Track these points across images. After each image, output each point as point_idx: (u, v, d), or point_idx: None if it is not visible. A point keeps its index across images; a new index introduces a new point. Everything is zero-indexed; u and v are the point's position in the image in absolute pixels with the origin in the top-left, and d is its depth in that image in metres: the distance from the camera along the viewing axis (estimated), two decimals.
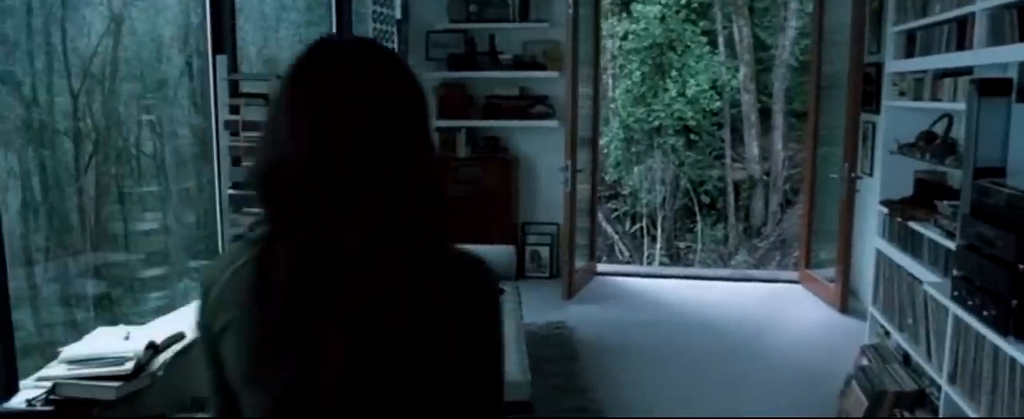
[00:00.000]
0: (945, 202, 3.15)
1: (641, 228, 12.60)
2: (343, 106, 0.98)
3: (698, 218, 12.53)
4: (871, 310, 3.98)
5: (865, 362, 3.71)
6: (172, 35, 6.94)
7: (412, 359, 0.96)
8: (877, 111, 5.04)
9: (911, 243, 3.48)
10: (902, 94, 3.69)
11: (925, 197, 3.48)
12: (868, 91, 5.05)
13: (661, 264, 11.85)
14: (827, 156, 5.86)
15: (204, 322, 1.07)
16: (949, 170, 3.42)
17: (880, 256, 3.87)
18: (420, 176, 1.01)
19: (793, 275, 6.25)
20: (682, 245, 12.59)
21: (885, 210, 3.74)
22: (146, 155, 6.50)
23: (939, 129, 3.47)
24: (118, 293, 5.90)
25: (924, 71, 3.41)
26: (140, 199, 6.37)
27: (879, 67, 4.98)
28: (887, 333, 3.79)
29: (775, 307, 5.53)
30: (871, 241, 5.11)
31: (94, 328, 5.19)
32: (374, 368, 0.95)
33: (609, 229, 12.26)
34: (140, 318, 5.31)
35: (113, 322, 5.59)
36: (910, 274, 3.42)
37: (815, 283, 5.70)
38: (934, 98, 3.33)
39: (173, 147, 6.71)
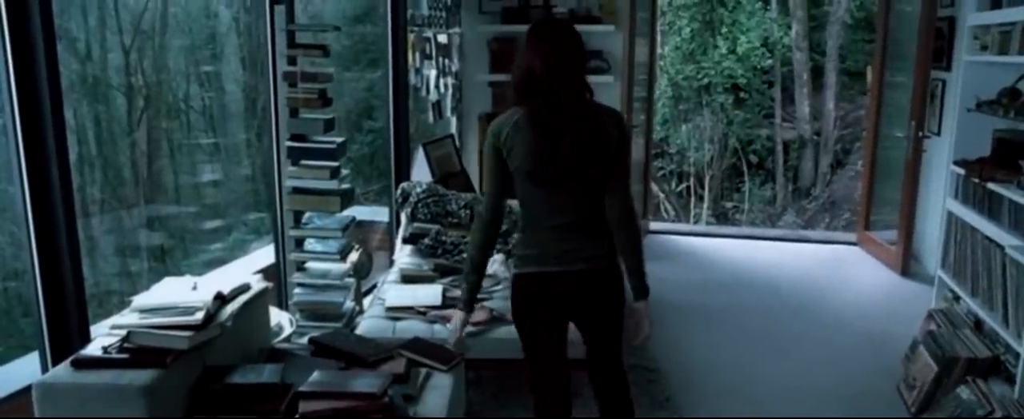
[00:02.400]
0: None
1: (688, 187, 12.44)
2: (559, 47, 2.17)
3: (746, 178, 12.33)
4: (939, 274, 3.85)
5: (933, 327, 3.60)
6: None
7: (598, 149, 2.17)
8: (948, 68, 4.84)
9: (989, 205, 3.33)
10: (984, 48, 3.51)
11: (1006, 157, 3.32)
12: (939, 47, 4.85)
13: (707, 223, 11.71)
14: (888, 115, 5.66)
15: (498, 144, 2.20)
16: None
17: (952, 218, 3.72)
18: (585, 77, 2.22)
19: (850, 237, 6.10)
20: (729, 205, 12.42)
21: (960, 170, 3.59)
22: (195, 110, 6.54)
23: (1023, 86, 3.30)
24: (171, 245, 5.99)
25: (1012, 23, 3.23)
26: (190, 153, 6.42)
27: (952, 21, 4.77)
28: (956, 298, 3.67)
29: (833, 268, 5.41)
30: (936, 202, 4.96)
31: (148, 279, 5.28)
32: (582, 152, 2.14)
33: (655, 188, 12.11)
34: (194, 270, 5.39)
35: (167, 273, 5.69)
36: (987, 237, 3.29)
37: (875, 245, 5.55)
38: (1022, 52, 3.16)
39: (221, 102, 6.74)
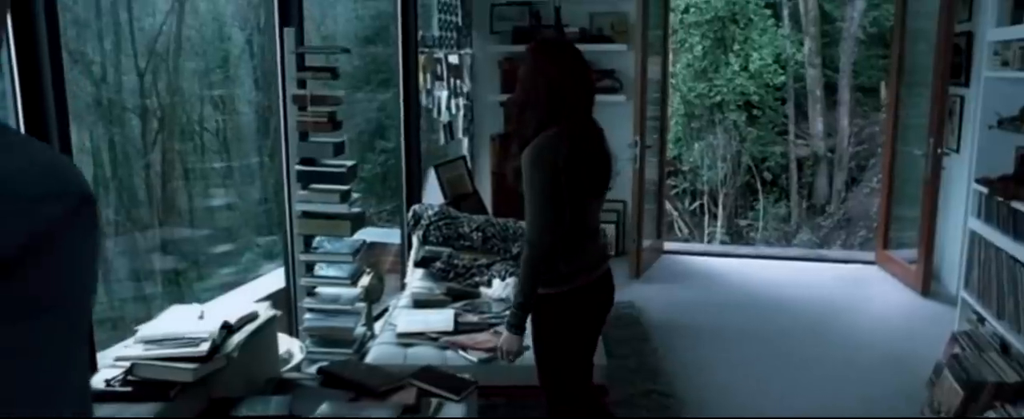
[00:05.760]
0: None
1: (701, 205, 12.36)
2: (579, 61, 2.31)
3: (760, 195, 12.23)
4: (962, 295, 3.76)
5: (957, 350, 3.51)
6: (233, 12, 6.95)
7: (609, 161, 2.37)
8: (966, 83, 4.77)
9: (1013, 224, 3.25)
10: (1005, 64, 3.44)
11: None
12: (956, 62, 4.78)
13: (722, 242, 11.62)
14: (904, 132, 5.58)
15: (557, 168, 2.19)
16: None
17: (974, 238, 3.64)
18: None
19: (868, 255, 6.00)
20: (743, 223, 12.32)
21: (982, 189, 3.51)
22: (209, 131, 6.55)
23: None
24: (185, 267, 5.97)
25: None
26: (204, 175, 6.42)
27: (970, 36, 4.71)
28: (981, 320, 3.58)
29: (851, 288, 5.32)
30: (956, 221, 4.87)
31: (162, 302, 5.25)
32: (610, 161, 2.37)
33: (668, 206, 12.03)
34: (207, 294, 5.36)
35: (180, 296, 5.66)
36: (1012, 257, 3.20)
37: (894, 264, 5.46)
38: None
39: (235, 123, 6.75)
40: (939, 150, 4.81)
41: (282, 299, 3.64)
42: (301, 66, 3.34)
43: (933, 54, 4.81)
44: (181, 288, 5.72)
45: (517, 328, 2.32)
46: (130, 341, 2.12)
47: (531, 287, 2.26)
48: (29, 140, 0.54)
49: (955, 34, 4.73)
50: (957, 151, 4.89)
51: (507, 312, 3.37)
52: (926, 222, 4.96)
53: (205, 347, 2.01)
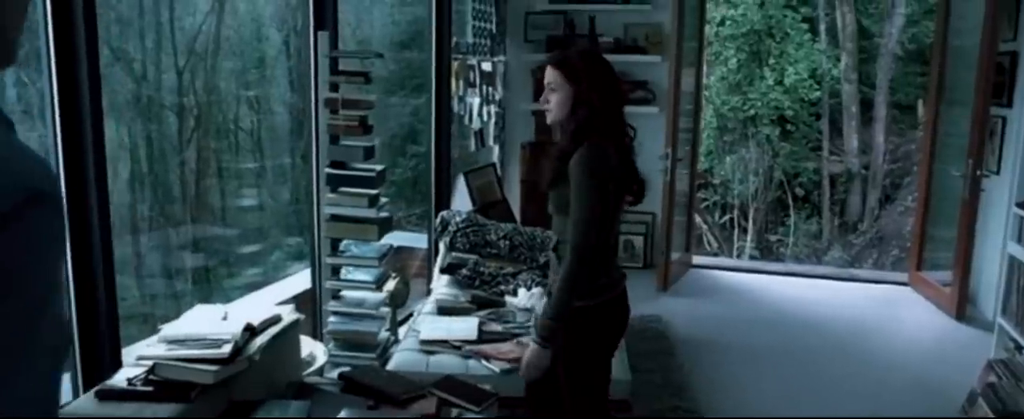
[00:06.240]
0: None
1: (731, 219, 12.23)
2: (618, 81, 2.34)
3: (791, 211, 12.08)
4: (999, 321, 3.67)
5: (993, 378, 3.42)
6: (271, 14, 7.02)
7: (640, 176, 2.37)
8: (1009, 104, 4.67)
9: None
10: None
11: None
12: (999, 82, 4.67)
13: (751, 257, 11.48)
14: (942, 151, 5.47)
15: (610, 178, 2.21)
16: None
17: (1013, 263, 3.55)
18: None
19: (901, 276, 5.89)
20: (773, 238, 12.18)
21: (1023, 213, 3.42)
22: (244, 131, 6.61)
23: None
24: (214, 264, 6.02)
25: None
26: (237, 174, 6.49)
27: (1015, 56, 4.60)
28: (1018, 348, 3.48)
29: (883, 309, 5.21)
30: (994, 244, 4.76)
31: (191, 299, 5.29)
32: (637, 177, 2.35)
33: (698, 219, 11.93)
34: (235, 292, 5.40)
35: (209, 294, 5.70)
36: None
37: (927, 286, 5.35)
38: None
39: (269, 123, 6.81)
40: (979, 172, 4.70)
41: (307, 301, 3.65)
42: (334, 70, 3.35)
43: (975, 73, 4.71)
44: (210, 285, 5.78)
45: (549, 342, 2.23)
46: (153, 339, 2.12)
47: (572, 297, 2.19)
48: None
49: (999, 53, 4.63)
50: (997, 173, 4.78)
51: (531, 323, 3.35)
52: (963, 245, 4.84)
53: (227, 349, 2.01)
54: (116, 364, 2.40)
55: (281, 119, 6.88)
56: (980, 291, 5.02)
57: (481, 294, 3.71)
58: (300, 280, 4.16)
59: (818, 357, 4.32)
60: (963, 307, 4.88)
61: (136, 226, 5.19)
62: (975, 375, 3.62)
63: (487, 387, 2.45)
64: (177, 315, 2.32)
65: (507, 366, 2.93)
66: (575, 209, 2.16)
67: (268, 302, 3.34)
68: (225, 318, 2.23)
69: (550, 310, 2.22)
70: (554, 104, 2.28)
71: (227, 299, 4.71)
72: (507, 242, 4.07)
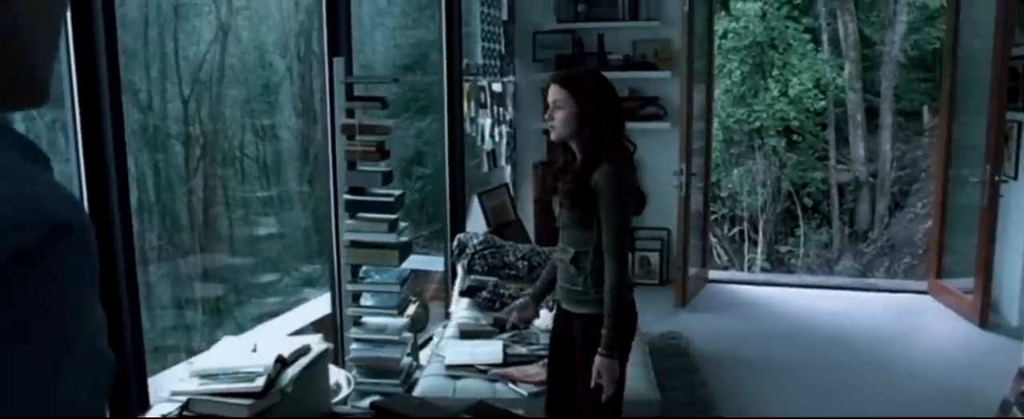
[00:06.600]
0: None
1: (741, 231, 12.19)
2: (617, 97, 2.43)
3: (800, 222, 12.04)
4: None
5: None
6: (274, 41, 7.03)
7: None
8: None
9: None
10: None
11: None
12: (1014, 87, 4.65)
13: (762, 269, 11.43)
14: (954, 156, 5.43)
15: (631, 189, 2.32)
16: None
17: None
18: None
19: (920, 284, 5.84)
20: (784, 249, 12.12)
21: None
22: (249, 158, 6.60)
23: None
24: (224, 293, 5.99)
25: None
26: (245, 202, 6.47)
27: None
28: None
29: (904, 319, 5.16)
30: (1014, 249, 4.73)
31: (202, 328, 5.23)
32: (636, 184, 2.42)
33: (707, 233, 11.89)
34: (247, 323, 5.36)
35: (220, 323, 5.67)
36: None
37: (948, 294, 5.30)
38: None
39: (275, 150, 6.80)
40: (996, 177, 4.67)
41: (326, 327, 3.62)
42: (350, 96, 3.34)
43: (989, 77, 4.69)
44: (222, 315, 5.74)
45: (615, 351, 2.31)
46: (183, 373, 2.09)
47: (623, 303, 2.31)
48: (2, 169, 0.55)
49: (1012, 57, 4.61)
50: (1015, 178, 4.75)
51: None
52: (983, 251, 4.80)
53: (260, 382, 1.98)
54: (143, 396, 2.37)
55: (287, 145, 6.88)
56: (1002, 297, 4.97)
57: (503, 316, 3.67)
58: (314, 307, 4.12)
59: (842, 369, 4.27)
60: (986, 314, 4.83)
61: (145, 256, 5.17)
62: (1002, 383, 3.57)
63: (520, 412, 2.41)
64: (189, 346, 2.29)
65: (535, 389, 2.89)
66: (610, 222, 2.25)
67: (285, 331, 3.31)
68: (255, 350, 2.19)
69: (609, 322, 2.28)
70: (559, 121, 2.34)
71: (240, 328, 4.67)
72: (526, 263, 4.04)
